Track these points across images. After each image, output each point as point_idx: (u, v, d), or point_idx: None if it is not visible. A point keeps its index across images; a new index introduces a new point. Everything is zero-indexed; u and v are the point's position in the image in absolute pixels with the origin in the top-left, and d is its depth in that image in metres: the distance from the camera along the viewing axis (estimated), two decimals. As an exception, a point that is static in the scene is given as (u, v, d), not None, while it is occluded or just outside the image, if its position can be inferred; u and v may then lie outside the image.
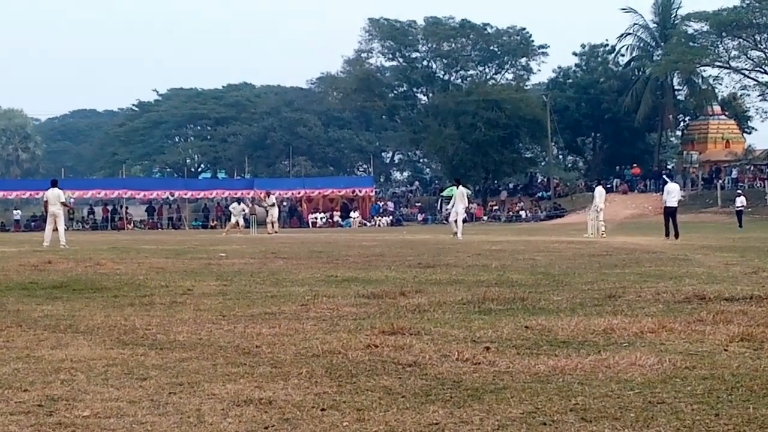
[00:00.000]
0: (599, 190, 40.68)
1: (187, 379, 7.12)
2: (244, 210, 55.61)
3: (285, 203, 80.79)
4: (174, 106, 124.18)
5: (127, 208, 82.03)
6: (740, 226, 51.75)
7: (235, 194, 71.46)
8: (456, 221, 38.62)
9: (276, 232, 50.70)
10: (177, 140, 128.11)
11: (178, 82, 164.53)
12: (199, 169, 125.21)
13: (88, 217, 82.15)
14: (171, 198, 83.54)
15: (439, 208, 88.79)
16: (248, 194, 77.46)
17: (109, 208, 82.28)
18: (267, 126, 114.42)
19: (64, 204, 33.79)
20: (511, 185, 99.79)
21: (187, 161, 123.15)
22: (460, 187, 40.12)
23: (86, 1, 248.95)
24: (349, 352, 8.23)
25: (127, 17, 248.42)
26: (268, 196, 54.97)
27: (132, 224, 78.92)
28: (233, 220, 53.74)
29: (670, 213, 35.84)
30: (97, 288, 14.82)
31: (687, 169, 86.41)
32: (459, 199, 39.16)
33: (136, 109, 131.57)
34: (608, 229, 42.52)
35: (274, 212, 53.63)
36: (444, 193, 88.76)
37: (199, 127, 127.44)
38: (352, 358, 7.96)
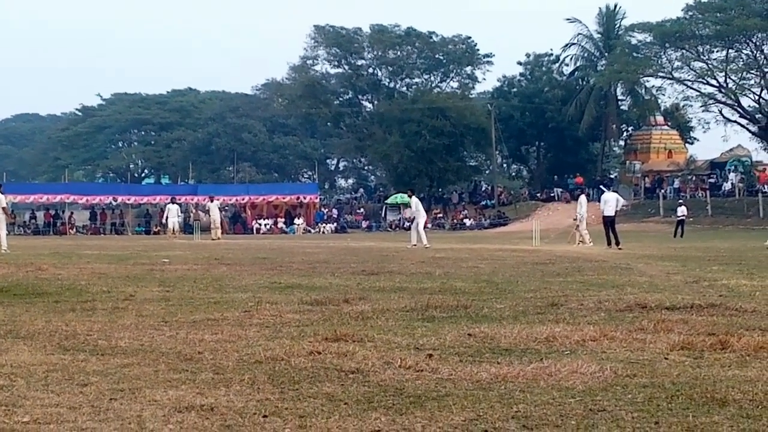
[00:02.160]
0: (582, 199, 40.71)
1: (128, 385, 7.08)
2: (179, 212, 55.38)
3: (228, 209, 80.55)
4: (118, 111, 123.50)
5: (72, 213, 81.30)
6: (681, 235, 52.22)
7: (179, 199, 70.68)
8: (419, 230, 38.26)
9: (219, 238, 50.40)
10: (121, 145, 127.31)
11: (122, 87, 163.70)
12: (143, 175, 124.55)
13: (30, 222, 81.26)
14: (114, 203, 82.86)
15: (383, 215, 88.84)
16: (192, 200, 77.15)
17: (52, 212, 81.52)
18: (211, 132, 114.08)
19: (4, 210, 33.37)
20: (455, 193, 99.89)
21: (131, 166, 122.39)
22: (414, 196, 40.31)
23: (30, 6, 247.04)
24: (291, 358, 8.21)
25: (71, 22, 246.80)
26: (211, 201, 54.72)
27: (74, 229, 78.30)
28: (170, 224, 53.56)
29: (608, 222, 36.03)
30: (38, 293, 14.71)
31: (630, 178, 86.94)
32: (420, 207, 39.29)
33: (80, 113, 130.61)
34: (551, 238, 42.76)
35: (216, 216, 53.26)
36: (389, 201, 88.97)
37: (143, 133, 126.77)
38: (295, 364, 7.95)
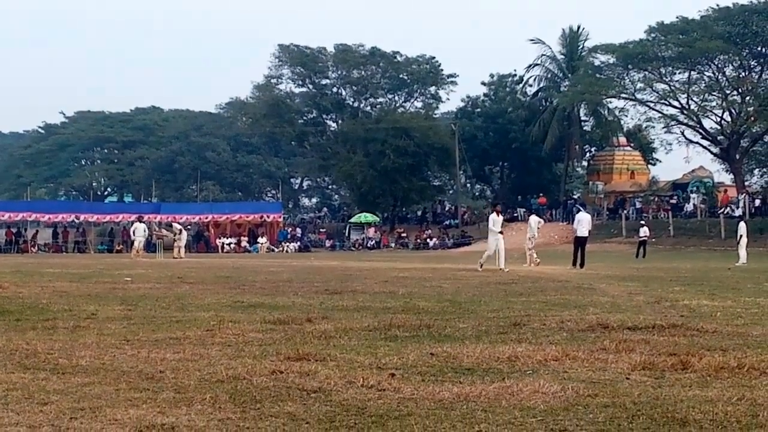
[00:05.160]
0: (534, 219, 40.69)
1: (89, 404, 7.03)
2: (145, 231, 55.15)
3: (191, 228, 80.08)
4: (81, 129, 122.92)
5: (37, 232, 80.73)
6: (644, 256, 52.49)
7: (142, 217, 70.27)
8: (497, 250, 34.42)
9: (182, 257, 50.31)
10: (83, 163, 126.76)
11: (85, 105, 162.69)
12: (106, 193, 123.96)
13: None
14: (76, 221, 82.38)
15: (347, 234, 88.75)
16: (155, 218, 76.84)
17: (14, 230, 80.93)
18: (175, 150, 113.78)
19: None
20: (419, 213, 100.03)
21: (94, 184, 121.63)
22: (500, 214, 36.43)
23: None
24: (253, 377, 8.19)
25: (34, 37, 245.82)
26: (172, 224, 54.73)
27: (36, 247, 77.78)
28: (136, 243, 53.29)
29: (580, 243, 35.99)
30: (-2, 311, 14.60)
31: (593, 199, 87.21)
32: (499, 225, 35.12)
33: (43, 131, 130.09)
34: (514, 258, 42.81)
35: (182, 237, 53.29)
36: (352, 220, 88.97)
37: (106, 151, 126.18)
38: (257, 383, 7.93)
